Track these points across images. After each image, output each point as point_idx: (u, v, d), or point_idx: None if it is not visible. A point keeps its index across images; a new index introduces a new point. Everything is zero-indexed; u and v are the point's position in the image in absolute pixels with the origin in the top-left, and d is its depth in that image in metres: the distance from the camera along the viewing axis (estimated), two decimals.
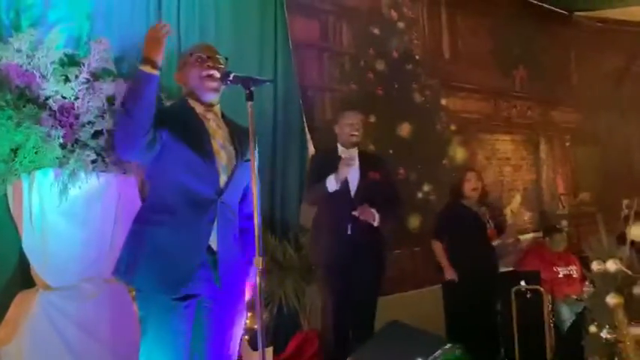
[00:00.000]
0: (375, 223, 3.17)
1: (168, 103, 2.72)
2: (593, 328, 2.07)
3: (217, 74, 2.02)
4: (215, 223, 1.96)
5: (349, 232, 3.16)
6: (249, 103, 1.88)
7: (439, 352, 2.30)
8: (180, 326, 1.89)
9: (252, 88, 1.90)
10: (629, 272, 2.02)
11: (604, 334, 1.99)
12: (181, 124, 1.97)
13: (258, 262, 1.82)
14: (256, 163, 1.93)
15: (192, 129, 1.98)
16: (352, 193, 3.21)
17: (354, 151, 3.30)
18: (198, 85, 2.03)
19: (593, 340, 2.05)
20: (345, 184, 3.18)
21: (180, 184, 1.93)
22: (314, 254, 3.41)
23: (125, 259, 1.96)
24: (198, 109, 2.04)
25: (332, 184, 3.11)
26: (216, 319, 2.01)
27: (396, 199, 3.44)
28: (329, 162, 3.22)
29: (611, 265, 2.03)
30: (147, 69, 1.86)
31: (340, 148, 3.33)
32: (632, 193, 6.75)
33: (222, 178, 1.99)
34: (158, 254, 1.89)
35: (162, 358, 1.87)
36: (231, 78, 1.92)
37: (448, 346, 2.38)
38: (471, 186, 3.89)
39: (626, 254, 2.06)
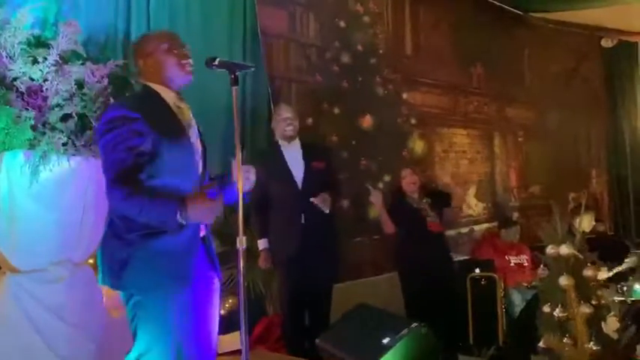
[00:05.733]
0: (326, 210, 3.25)
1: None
2: (546, 308, 2.24)
3: (191, 62, 2.05)
4: None
5: (303, 222, 3.23)
6: (235, 87, 1.93)
7: (405, 330, 2.42)
8: (181, 312, 1.90)
9: (237, 73, 1.95)
10: (580, 256, 2.19)
11: (556, 312, 2.15)
12: (164, 123, 1.93)
13: (241, 241, 1.86)
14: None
15: (174, 127, 1.96)
16: (299, 184, 3.29)
17: (296, 144, 3.38)
18: (177, 73, 2.02)
19: (546, 318, 2.22)
20: (289, 176, 3.27)
21: (169, 189, 1.89)
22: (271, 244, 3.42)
23: (117, 268, 1.88)
24: (169, 98, 2.02)
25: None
26: (215, 297, 2.09)
27: (336, 187, 3.51)
28: (275, 159, 3.32)
29: (564, 250, 2.20)
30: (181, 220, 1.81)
31: (281, 142, 3.39)
32: (579, 187, 7.13)
33: (200, 167, 2.04)
34: (160, 258, 1.87)
35: (165, 343, 1.87)
36: (216, 63, 1.94)
37: (414, 325, 2.50)
38: (407, 182, 4.01)
39: (577, 240, 2.23)
